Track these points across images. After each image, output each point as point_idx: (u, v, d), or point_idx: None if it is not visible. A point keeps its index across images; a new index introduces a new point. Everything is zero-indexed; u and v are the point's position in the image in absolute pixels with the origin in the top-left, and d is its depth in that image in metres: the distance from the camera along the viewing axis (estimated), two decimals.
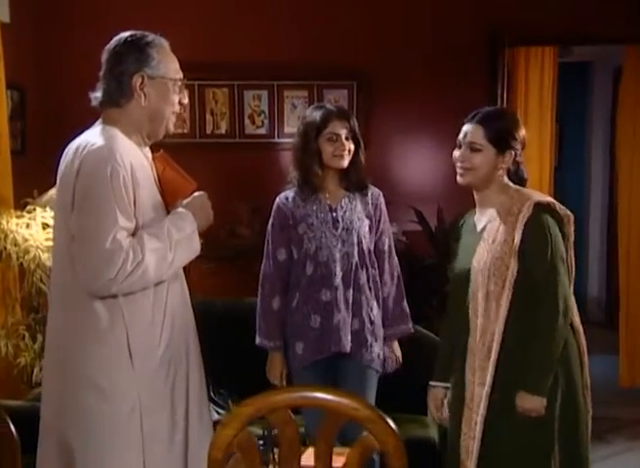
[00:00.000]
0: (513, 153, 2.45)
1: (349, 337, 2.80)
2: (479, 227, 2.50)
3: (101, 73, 2.16)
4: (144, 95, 2.12)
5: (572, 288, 2.44)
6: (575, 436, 2.40)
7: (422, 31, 4.59)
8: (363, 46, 4.60)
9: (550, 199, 2.45)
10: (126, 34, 2.16)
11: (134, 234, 2.05)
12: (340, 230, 2.82)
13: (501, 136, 2.43)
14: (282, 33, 4.60)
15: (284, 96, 4.70)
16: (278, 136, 4.72)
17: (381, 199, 2.95)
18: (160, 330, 2.14)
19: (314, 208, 2.84)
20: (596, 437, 4.10)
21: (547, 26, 4.48)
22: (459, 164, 2.47)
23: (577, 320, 2.44)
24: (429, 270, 4.27)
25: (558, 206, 2.41)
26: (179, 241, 2.10)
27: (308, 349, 2.82)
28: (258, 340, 2.90)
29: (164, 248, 2.06)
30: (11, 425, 1.75)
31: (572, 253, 2.47)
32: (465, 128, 2.47)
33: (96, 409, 2.07)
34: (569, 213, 2.44)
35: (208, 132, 4.73)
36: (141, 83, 2.12)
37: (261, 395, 1.53)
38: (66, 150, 2.15)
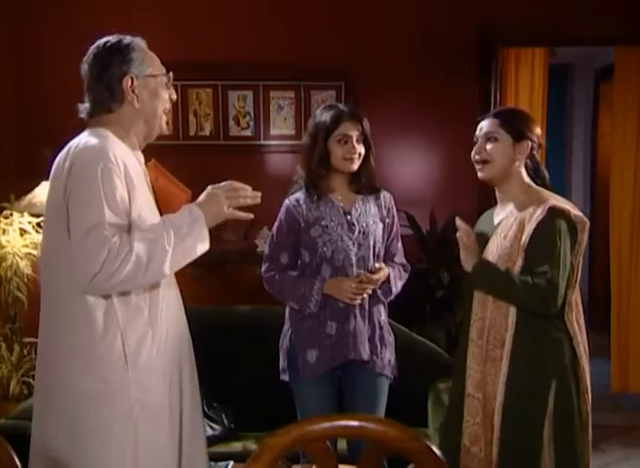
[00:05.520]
0: (530, 143, 2.46)
1: (366, 345, 2.71)
2: (496, 221, 2.51)
3: (87, 85, 2.11)
4: (137, 96, 2.08)
5: (575, 292, 2.41)
6: (570, 437, 2.36)
7: (413, 31, 4.47)
8: (351, 46, 4.47)
9: (567, 206, 2.41)
10: (102, 41, 2.12)
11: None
12: (356, 233, 2.73)
13: (517, 123, 2.46)
14: (268, 32, 4.45)
15: (270, 96, 4.54)
16: (264, 138, 4.56)
17: (393, 202, 2.88)
18: (155, 335, 2.06)
19: (327, 210, 2.74)
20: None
21: (539, 27, 4.41)
22: (476, 157, 2.49)
23: (575, 326, 2.40)
24: (421, 276, 4.16)
25: (573, 213, 2.38)
26: (178, 227, 1.97)
27: (323, 357, 2.70)
28: (310, 308, 2.70)
29: (157, 236, 1.94)
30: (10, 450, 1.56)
31: (580, 259, 2.43)
32: (481, 124, 2.51)
33: (88, 414, 1.97)
34: (585, 219, 2.40)
35: (191, 133, 4.55)
36: (132, 84, 2.07)
37: (297, 424, 1.40)
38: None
